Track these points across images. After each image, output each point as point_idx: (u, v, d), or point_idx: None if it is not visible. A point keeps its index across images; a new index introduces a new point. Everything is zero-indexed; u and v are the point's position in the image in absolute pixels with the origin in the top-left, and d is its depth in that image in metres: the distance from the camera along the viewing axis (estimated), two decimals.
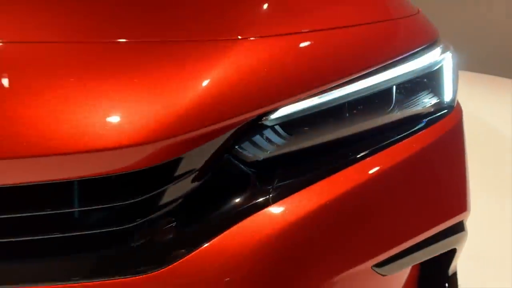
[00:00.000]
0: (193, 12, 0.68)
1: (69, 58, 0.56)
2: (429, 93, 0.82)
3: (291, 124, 0.66)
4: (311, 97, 0.66)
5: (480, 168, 2.27)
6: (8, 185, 0.51)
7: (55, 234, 0.53)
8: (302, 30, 0.70)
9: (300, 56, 0.68)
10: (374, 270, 0.67)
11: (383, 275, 0.68)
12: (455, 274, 0.88)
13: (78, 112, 0.50)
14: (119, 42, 0.61)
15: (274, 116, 0.63)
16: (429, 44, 0.82)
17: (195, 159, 0.58)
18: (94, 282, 0.52)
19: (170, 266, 0.54)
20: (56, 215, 0.53)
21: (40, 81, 0.52)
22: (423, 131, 0.77)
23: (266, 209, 0.60)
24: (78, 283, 0.52)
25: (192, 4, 0.71)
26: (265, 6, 0.75)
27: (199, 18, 0.67)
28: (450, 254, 0.82)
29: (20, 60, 0.56)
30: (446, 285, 0.85)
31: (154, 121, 0.50)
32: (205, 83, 0.56)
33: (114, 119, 0.50)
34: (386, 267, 0.68)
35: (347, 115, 0.72)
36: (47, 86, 0.51)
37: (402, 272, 0.77)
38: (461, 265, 1.30)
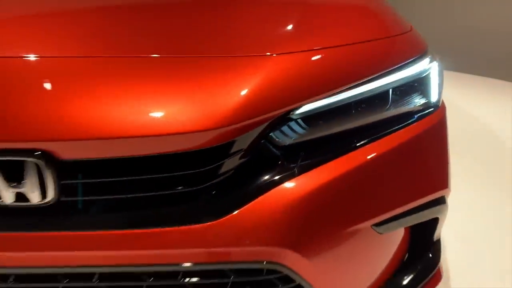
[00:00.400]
0: (240, 36, 0.91)
1: (154, 71, 0.79)
2: (419, 95, 1.03)
3: (309, 118, 0.88)
4: (325, 98, 0.88)
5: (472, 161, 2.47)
6: (114, 157, 0.73)
7: (148, 193, 0.75)
8: (317, 47, 0.92)
9: (316, 67, 0.89)
10: (373, 229, 0.88)
11: (380, 233, 0.89)
12: (438, 240, 1.09)
13: (168, 107, 0.73)
14: (181, 57, 0.84)
15: (297, 112, 0.85)
16: (419, 55, 1.03)
17: (243, 142, 0.79)
18: (174, 228, 0.75)
19: (225, 217, 0.76)
20: (147, 179, 0.75)
21: (140, 88, 0.75)
22: (414, 124, 0.98)
23: (291, 181, 0.81)
24: (163, 228, 0.74)
25: (243, 31, 0.94)
26: (287, 29, 0.97)
27: (242, 40, 0.90)
28: (434, 223, 1.03)
29: (117, 71, 0.79)
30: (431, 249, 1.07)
31: (219, 115, 0.73)
32: (249, 88, 0.78)
33: (192, 113, 0.73)
34: (383, 227, 0.89)
35: (353, 111, 0.93)
36: (148, 92, 0.75)
37: (396, 234, 0.99)
38: (454, 247, 1.52)
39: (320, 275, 0.84)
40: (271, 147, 0.85)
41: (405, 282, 1.01)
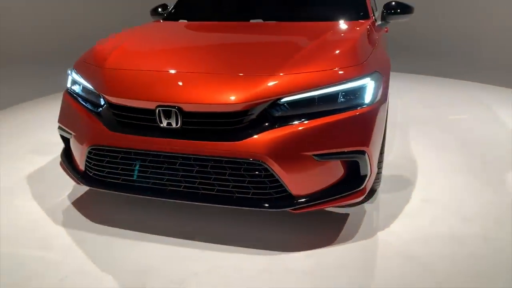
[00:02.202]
0: (262, 60, 2.03)
1: (224, 79, 1.93)
2: (358, 97, 2.00)
3: (289, 104, 1.92)
4: (301, 94, 1.91)
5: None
6: (202, 113, 1.89)
7: (214, 128, 1.90)
8: (304, 72, 1.95)
9: (298, 80, 1.93)
10: (313, 157, 1.91)
11: (317, 161, 1.91)
12: (365, 175, 2.05)
13: (229, 93, 1.87)
14: (238, 74, 1.96)
15: (283, 100, 1.90)
16: (363, 75, 2.00)
17: (256, 110, 1.88)
18: (225, 142, 1.87)
19: (240, 141, 1.86)
20: (214, 123, 1.90)
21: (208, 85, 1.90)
22: (352, 110, 1.96)
23: (274, 129, 1.87)
24: (220, 142, 1.89)
25: (260, 57, 2.05)
26: (286, 61, 2.02)
27: (265, 66, 1.99)
28: (357, 164, 2.00)
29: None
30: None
31: (248, 97, 1.84)
32: (261, 87, 1.87)
33: (238, 96, 1.84)
34: (320, 157, 1.91)
35: (316, 103, 1.96)
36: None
37: (335, 164, 1.98)
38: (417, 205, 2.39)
39: (285, 173, 1.89)
40: (268, 115, 1.91)
41: (338, 188, 2.01)
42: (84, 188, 2.64)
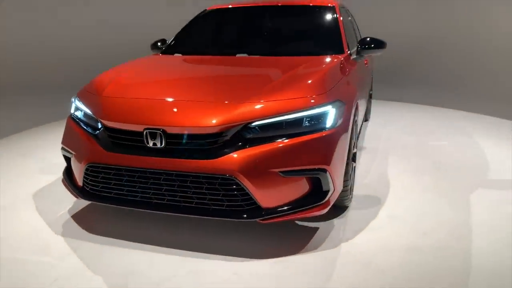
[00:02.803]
0: (241, 90, 2.37)
1: (204, 106, 2.25)
2: (321, 121, 2.30)
3: (260, 127, 2.22)
4: (269, 119, 2.21)
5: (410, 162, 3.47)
6: (181, 134, 2.19)
7: (191, 147, 2.20)
8: (273, 100, 2.26)
9: (271, 106, 2.23)
10: (279, 174, 2.19)
11: (283, 176, 2.19)
12: (327, 190, 2.31)
13: (206, 118, 2.17)
14: (205, 101, 2.28)
15: (253, 124, 2.20)
16: (325, 103, 2.31)
17: (230, 132, 2.17)
18: (200, 160, 2.17)
19: (219, 158, 2.15)
20: (191, 143, 2.20)
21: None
22: (314, 133, 2.25)
23: (245, 149, 2.16)
24: (197, 160, 2.18)
25: (239, 87, 2.37)
26: (258, 92, 2.34)
27: (241, 92, 2.32)
28: (320, 180, 2.28)
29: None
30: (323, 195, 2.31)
31: (223, 121, 2.14)
32: (235, 112, 2.17)
33: (215, 119, 2.15)
34: (286, 174, 2.19)
35: (284, 127, 2.25)
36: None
37: (300, 180, 2.26)
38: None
39: (254, 187, 2.16)
40: (240, 136, 2.21)
41: (303, 201, 2.28)
42: (83, 203, 2.92)
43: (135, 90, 2.56)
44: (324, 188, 2.32)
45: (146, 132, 2.22)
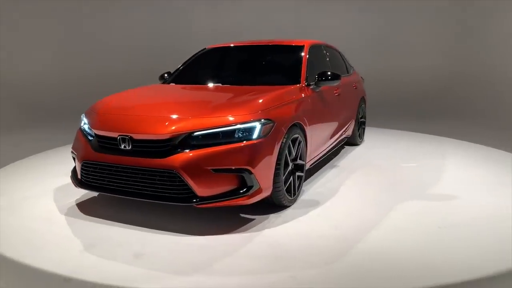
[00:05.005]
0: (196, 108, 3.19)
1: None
2: (250, 133, 3.06)
3: (200, 136, 3.02)
4: (207, 130, 3.02)
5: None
6: (145, 140, 3.03)
7: (148, 149, 3.03)
8: (212, 116, 3.08)
9: (210, 120, 3.05)
10: (211, 171, 2.96)
11: (214, 173, 2.96)
12: (251, 186, 3.04)
13: (160, 127, 3.01)
14: (161, 116, 3.13)
15: (196, 133, 3.01)
16: (253, 120, 3.08)
17: (177, 139, 2.99)
18: (154, 159, 2.99)
19: (167, 158, 2.96)
20: (148, 146, 3.03)
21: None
22: (244, 141, 3.02)
23: (187, 152, 2.96)
24: (151, 158, 3.00)
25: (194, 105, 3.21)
26: (205, 109, 3.16)
27: (190, 110, 3.15)
28: (244, 177, 3.01)
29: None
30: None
31: (172, 131, 2.97)
32: (181, 124, 2.99)
33: (166, 129, 2.99)
34: (217, 171, 2.95)
35: (220, 137, 3.03)
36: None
37: (229, 176, 3.00)
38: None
39: (191, 180, 2.93)
40: (185, 142, 3.01)
41: (231, 193, 3.02)
42: (87, 194, 3.84)
43: (118, 109, 3.48)
44: (248, 184, 3.06)
45: (119, 137, 3.10)
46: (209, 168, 2.96)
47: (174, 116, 3.14)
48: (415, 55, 10.84)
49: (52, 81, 9.87)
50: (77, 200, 3.80)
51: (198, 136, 3.01)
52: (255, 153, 3.06)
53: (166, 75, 4.84)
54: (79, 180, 3.44)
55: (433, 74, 10.51)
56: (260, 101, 3.35)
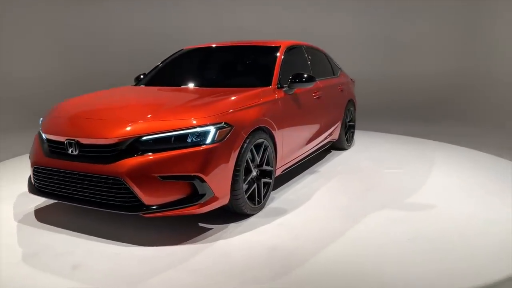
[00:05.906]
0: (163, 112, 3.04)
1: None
2: (204, 137, 2.89)
3: (149, 140, 2.85)
4: (157, 134, 2.86)
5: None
6: (93, 145, 2.89)
7: (96, 155, 2.88)
8: (163, 120, 2.91)
9: (160, 123, 2.88)
10: (159, 179, 2.79)
11: (162, 180, 2.79)
12: (203, 194, 2.87)
13: (111, 131, 2.86)
14: (110, 119, 2.98)
15: (144, 138, 2.84)
16: (208, 124, 2.91)
17: (125, 143, 2.82)
18: (103, 164, 2.83)
19: (113, 163, 2.80)
20: (97, 151, 2.88)
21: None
22: (196, 147, 2.85)
23: (136, 157, 2.80)
24: (100, 164, 2.85)
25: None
26: (157, 111, 3.01)
27: (141, 113, 3.00)
28: (195, 184, 2.84)
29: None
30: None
31: (120, 134, 2.82)
32: (131, 128, 2.84)
33: (116, 132, 2.83)
34: (162, 178, 2.79)
35: (172, 141, 2.86)
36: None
37: (180, 184, 2.83)
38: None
39: (137, 188, 2.77)
40: (133, 147, 2.84)
41: (182, 201, 2.84)
42: (44, 203, 3.72)
43: (69, 112, 3.32)
44: (200, 192, 2.88)
45: (66, 142, 2.95)
46: (157, 175, 2.79)
47: (123, 120, 2.98)
48: (414, 57, 10.57)
49: (47, 84, 9.86)
50: (37, 206, 3.67)
51: (147, 140, 2.85)
52: (208, 159, 2.88)
53: (142, 76, 4.71)
54: (32, 186, 3.31)
55: (435, 79, 10.22)
56: (219, 104, 3.18)
